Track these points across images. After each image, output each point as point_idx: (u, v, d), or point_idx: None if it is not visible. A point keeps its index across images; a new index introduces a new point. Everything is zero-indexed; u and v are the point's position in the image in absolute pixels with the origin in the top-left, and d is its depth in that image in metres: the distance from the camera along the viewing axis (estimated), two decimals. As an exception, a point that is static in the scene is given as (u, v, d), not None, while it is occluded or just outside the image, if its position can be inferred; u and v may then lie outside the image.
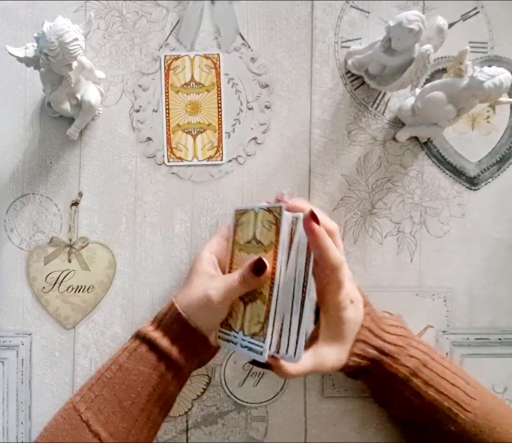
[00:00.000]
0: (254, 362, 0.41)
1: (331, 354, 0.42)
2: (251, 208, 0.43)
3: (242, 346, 0.40)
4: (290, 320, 0.38)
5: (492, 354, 0.51)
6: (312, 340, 0.43)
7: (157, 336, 0.42)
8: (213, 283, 0.42)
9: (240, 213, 0.44)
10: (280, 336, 0.39)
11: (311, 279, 0.39)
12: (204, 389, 0.51)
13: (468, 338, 0.51)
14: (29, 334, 0.51)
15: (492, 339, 0.52)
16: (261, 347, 0.38)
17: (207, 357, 0.45)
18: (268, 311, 0.38)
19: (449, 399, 0.42)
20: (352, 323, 0.42)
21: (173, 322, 0.42)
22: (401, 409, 0.46)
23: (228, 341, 0.42)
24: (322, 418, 0.51)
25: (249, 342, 0.40)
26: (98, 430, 0.40)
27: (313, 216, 0.38)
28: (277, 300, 0.38)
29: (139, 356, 0.42)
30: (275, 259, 0.39)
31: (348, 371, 0.44)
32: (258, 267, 0.39)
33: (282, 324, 0.39)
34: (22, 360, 0.50)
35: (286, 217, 0.39)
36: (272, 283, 0.39)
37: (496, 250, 0.52)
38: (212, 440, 0.51)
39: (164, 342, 0.41)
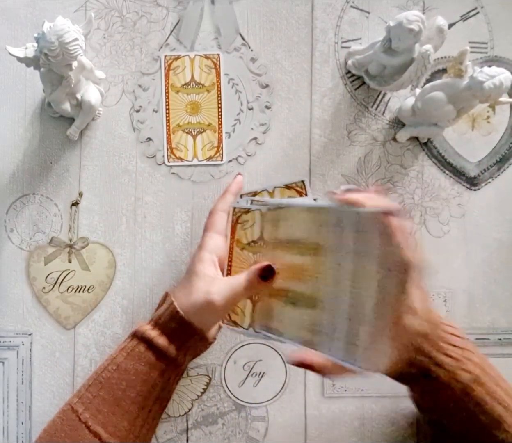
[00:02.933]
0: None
1: (376, 359, 0.38)
2: (285, 204, 0.40)
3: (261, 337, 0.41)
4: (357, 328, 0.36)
5: (492, 354, 0.51)
6: None
7: (155, 334, 0.42)
8: (215, 286, 0.41)
9: (243, 211, 0.43)
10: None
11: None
12: (204, 389, 0.51)
13: (468, 338, 0.51)
14: (29, 334, 0.51)
15: (492, 339, 0.52)
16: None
17: (202, 350, 0.45)
18: (321, 317, 0.37)
19: (492, 417, 0.39)
20: (406, 331, 0.38)
21: (170, 320, 0.42)
22: (442, 417, 0.43)
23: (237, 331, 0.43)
24: (322, 418, 0.51)
25: (265, 334, 0.40)
26: (97, 430, 0.40)
27: (387, 213, 0.34)
28: (332, 307, 0.36)
29: (137, 356, 0.41)
30: (319, 261, 0.37)
31: (394, 376, 0.42)
32: (266, 273, 0.39)
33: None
34: (22, 360, 0.50)
35: (347, 218, 0.36)
36: (318, 286, 0.37)
37: (496, 251, 0.52)
38: (212, 440, 0.51)
39: (161, 340, 0.41)
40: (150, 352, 0.41)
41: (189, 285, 0.43)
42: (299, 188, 0.39)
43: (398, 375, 0.41)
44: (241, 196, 0.44)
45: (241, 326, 0.41)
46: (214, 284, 0.42)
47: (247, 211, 0.43)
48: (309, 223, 0.38)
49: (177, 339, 0.42)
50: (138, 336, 0.42)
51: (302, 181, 0.38)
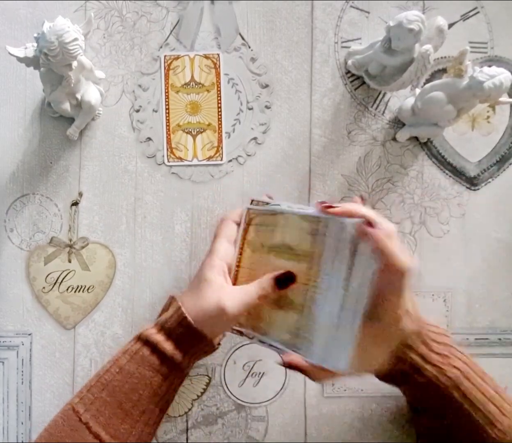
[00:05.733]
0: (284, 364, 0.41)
1: (368, 361, 0.40)
2: (279, 211, 0.41)
3: (270, 345, 0.40)
4: (340, 331, 0.37)
5: (492, 354, 0.52)
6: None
7: (160, 339, 0.41)
8: (227, 293, 0.41)
9: (265, 214, 0.42)
10: (327, 346, 0.37)
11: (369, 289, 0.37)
12: (204, 389, 0.51)
13: (468, 338, 0.51)
14: (29, 334, 0.51)
15: (492, 339, 0.52)
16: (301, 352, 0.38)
17: (206, 355, 0.45)
18: (307, 322, 0.38)
19: (483, 414, 0.40)
20: (402, 333, 0.39)
21: (178, 326, 0.41)
22: (434, 418, 0.44)
23: (245, 335, 0.43)
24: (322, 418, 0.51)
25: (279, 347, 0.40)
26: (98, 431, 0.39)
27: (368, 222, 0.36)
28: (320, 312, 0.37)
29: (140, 359, 0.41)
30: (310, 269, 0.38)
31: (384, 374, 0.42)
32: (283, 280, 0.39)
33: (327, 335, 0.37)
34: (22, 360, 0.50)
35: (334, 228, 0.37)
36: (306, 293, 0.38)
37: (496, 250, 0.52)
38: (212, 440, 0.51)
39: (167, 345, 0.41)
40: (154, 356, 0.41)
41: (198, 291, 0.42)
42: (320, 225, 0.38)
43: (388, 374, 0.42)
44: (252, 201, 0.44)
45: (256, 330, 0.42)
46: (225, 291, 0.41)
47: (261, 213, 0.43)
48: (302, 231, 0.39)
49: (184, 345, 0.41)
50: (142, 339, 0.42)
51: (326, 219, 0.37)
